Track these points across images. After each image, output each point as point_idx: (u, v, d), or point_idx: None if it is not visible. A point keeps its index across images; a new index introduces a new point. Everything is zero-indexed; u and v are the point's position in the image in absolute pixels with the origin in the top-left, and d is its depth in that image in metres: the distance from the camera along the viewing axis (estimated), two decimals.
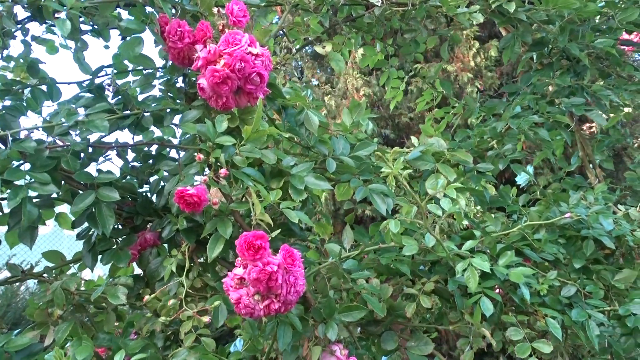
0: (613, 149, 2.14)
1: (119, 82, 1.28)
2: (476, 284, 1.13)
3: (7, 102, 1.23)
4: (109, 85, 1.18)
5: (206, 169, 1.08)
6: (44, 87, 1.24)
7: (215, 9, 1.11)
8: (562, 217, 1.47)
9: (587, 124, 2.75)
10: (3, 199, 1.11)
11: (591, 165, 1.84)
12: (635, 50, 1.88)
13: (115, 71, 1.27)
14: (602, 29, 1.74)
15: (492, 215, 1.54)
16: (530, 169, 1.76)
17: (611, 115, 1.88)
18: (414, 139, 1.49)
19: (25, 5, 1.07)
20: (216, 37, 1.10)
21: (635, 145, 3.06)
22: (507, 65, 5.54)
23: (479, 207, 1.57)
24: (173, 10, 1.10)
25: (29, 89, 1.24)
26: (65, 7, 1.01)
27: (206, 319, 1.01)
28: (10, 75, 1.28)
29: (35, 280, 1.32)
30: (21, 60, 1.28)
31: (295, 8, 1.49)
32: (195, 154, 1.06)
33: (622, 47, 1.85)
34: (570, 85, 1.62)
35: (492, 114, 1.70)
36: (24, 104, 1.20)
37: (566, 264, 1.51)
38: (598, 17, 1.70)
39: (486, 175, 1.48)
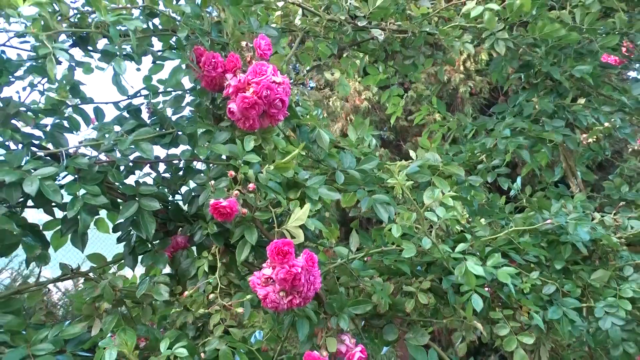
0: (594, 160, 2.33)
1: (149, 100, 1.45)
2: (474, 283, 1.30)
3: (51, 121, 1.38)
4: (147, 107, 1.34)
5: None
6: (82, 106, 1.40)
7: (243, 43, 1.27)
8: (544, 224, 1.65)
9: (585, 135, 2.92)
10: (54, 206, 1.26)
11: (573, 176, 2.02)
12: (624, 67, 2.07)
13: (148, 93, 1.44)
14: (584, 52, 1.92)
15: (482, 221, 1.71)
16: (518, 180, 1.94)
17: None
18: (412, 153, 1.67)
19: (71, 35, 1.23)
20: (243, 67, 1.26)
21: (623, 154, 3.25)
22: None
23: (466, 215, 1.73)
24: (208, 43, 1.26)
25: (70, 108, 1.39)
26: (113, 43, 1.16)
27: (240, 309, 1.18)
28: (52, 95, 1.43)
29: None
30: (64, 82, 1.43)
31: (307, 34, 1.66)
32: (225, 169, 1.22)
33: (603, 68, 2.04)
34: (556, 105, 1.80)
35: (483, 130, 1.88)
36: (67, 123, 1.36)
37: (548, 265, 1.69)
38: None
39: (476, 187, 1.66)
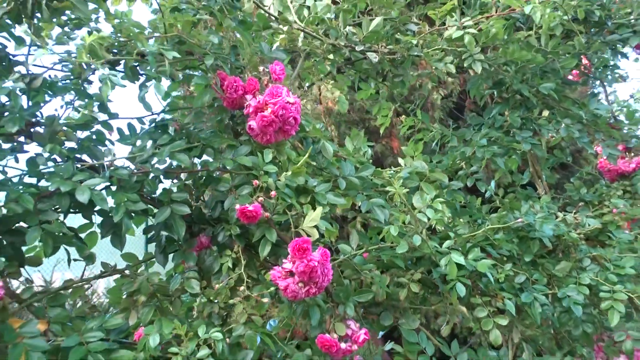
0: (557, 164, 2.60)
1: (168, 115, 1.62)
2: (455, 273, 1.52)
3: (84, 135, 1.53)
4: (175, 122, 1.51)
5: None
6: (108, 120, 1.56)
7: (260, 68, 1.46)
8: (515, 222, 1.89)
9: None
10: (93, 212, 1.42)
11: (539, 179, 2.29)
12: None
13: (168, 109, 1.61)
14: (549, 71, 2.19)
15: (461, 220, 1.94)
16: (492, 183, 2.19)
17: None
18: (401, 160, 1.89)
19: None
20: (260, 89, 1.45)
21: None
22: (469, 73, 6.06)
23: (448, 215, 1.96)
24: (229, 67, 1.44)
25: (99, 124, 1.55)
26: (152, 66, 1.33)
27: (265, 299, 1.36)
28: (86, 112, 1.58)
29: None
30: (93, 99, 1.58)
31: (308, 55, 1.86)
32: (246, 179, 1.41)
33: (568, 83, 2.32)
34: (523, 118, 2.05)
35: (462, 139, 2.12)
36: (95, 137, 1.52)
37: (519, 258, 1.94)
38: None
39: (457, 190, 1.89)
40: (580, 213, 2.13)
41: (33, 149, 1.43)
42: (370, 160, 1.88)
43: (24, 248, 1.33)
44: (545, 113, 2.20)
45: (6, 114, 1.31)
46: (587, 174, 2.41)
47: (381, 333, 1.73)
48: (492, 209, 2.16)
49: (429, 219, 1.59)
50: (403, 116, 2.37)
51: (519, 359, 1.86)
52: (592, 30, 2.39)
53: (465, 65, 1.81)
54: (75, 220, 1.44)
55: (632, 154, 2.32)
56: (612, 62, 2.55)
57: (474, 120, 2.11)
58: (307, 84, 1.94)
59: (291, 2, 1.87)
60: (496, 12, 2.02)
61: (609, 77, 2.32)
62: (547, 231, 1.81)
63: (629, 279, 1.80)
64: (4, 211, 1.23)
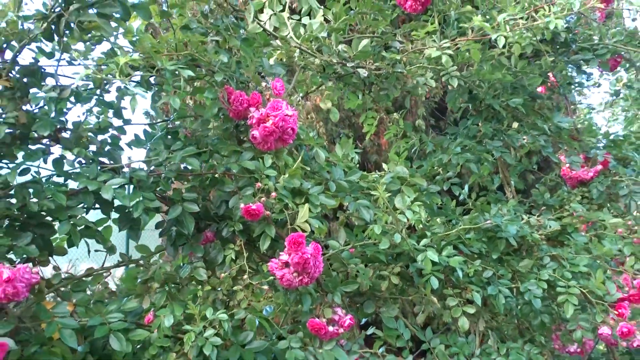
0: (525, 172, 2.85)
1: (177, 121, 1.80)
2: (429, 268, 1.74)
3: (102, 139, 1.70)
4: (185, 130, 1.69)
5: None
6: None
7: (263, 84, 1.65)
8: (485, 223, 2.12)
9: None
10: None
11: (508, 185, 2.53)
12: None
13: (176, 116, 1.79)
14: (518, 87, 2.43)
15: (438, 220, 2.17)
16: (466, 187, 2.42)
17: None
18: (385, 166, 2.10)
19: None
20: (263, 103, 1.64)
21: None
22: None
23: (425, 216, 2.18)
24: (235, 83, 1.63)
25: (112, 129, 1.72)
26: (169, 82, 1.51)
27: (265, 287, 1.56)
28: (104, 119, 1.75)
29: None
30: (111, 108, 1.75)
31: (303, 69, 2.05)
32: (250, 181, 1.60)
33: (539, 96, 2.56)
34: (494, 129, 2.28)
35: (440, 147, 2.34)
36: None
37: (487, 256, 2.17)
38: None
39: (434, 193, 2.11)
40: (542, 216, 2.38)
41: (57, 151, 1.60)
42: (357, 163, 2.09)
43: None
44: (515, 125, 2.44)
45: (37, 120, 1.48)
46: (550, 180, 2.66)
47: (364, 320, 1.93)
48: (465, 210, 2.39)
49: (408, 219, 1.81)
50: (395, 114, 2.58)
51: (485, 345, 2.09)
52: (558, 50, 2.64)
53: (443, 79, 2.03)
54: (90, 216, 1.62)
55: (591, 164, 2.57)
56: (577, 80, 2.81)
57: (451, 129, 2.33)
58: (301, 94, 2.13)
59: (288, 20, 2.07)
60: (473, 34, 2.24)
61: (573, 92, 2.57)
62: (512, 231, 2.04)
63: (583, 275, 2.04)
64: (37, 207, 1.41)
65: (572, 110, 2.92)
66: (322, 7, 2.12)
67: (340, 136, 6.78)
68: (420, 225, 1.96)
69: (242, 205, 1.53)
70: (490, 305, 2.17)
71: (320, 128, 6.74)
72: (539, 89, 2.67)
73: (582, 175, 2.54)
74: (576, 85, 2.70)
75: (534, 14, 2.24)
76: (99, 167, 1.51)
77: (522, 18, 2.01)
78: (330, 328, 1.65)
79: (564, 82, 2.51)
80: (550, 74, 2.63)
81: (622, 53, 2.59)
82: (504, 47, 1.98)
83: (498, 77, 2.10)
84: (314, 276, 1.55)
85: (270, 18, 2.06)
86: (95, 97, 1.59)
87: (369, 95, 2.24)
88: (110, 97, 1.70)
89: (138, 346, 1.52)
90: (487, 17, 2.27)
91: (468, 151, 2.17)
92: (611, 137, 2.68)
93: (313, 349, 1.64)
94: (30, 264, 1.37)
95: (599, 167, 2.55)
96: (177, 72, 1.49)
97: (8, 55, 1.57)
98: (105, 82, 1.54)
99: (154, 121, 1.82)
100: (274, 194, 1.56)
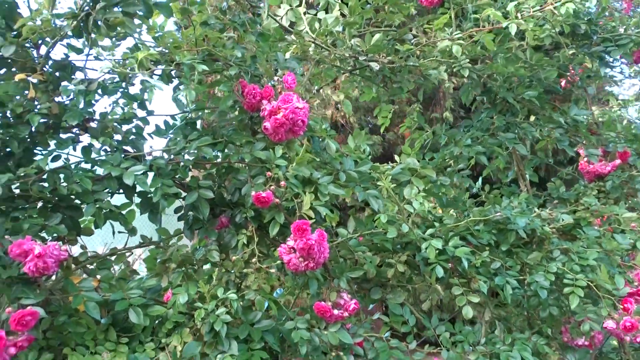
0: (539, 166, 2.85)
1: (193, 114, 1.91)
2: (433, 255, 1.80)
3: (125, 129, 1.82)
4: (203, 121, 1.80)
5: None
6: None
7: (275, 78, 1.73)
8: (495, 215, 2.15)
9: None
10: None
11: (522, 178, 2.54)
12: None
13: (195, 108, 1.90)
14: (534, 80, 2.43)
15: (452, 212, 2.21)
16: (479, 180, 2.45)
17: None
18: (397, 157, 2.16)
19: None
20: (275, 96, 1.73)
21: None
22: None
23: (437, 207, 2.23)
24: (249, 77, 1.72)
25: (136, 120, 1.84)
26: (187, 76, 1.62)
27: (273, 270, 1.66)
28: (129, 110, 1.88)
29: None
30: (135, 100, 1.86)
31: (318, 62, 2.12)
32: (261, 170, 1.69)
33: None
34: (508, 122, 2.30)
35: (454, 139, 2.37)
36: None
37: (497, 247, 2.20)
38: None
39: (446, 185, 2.16)
40: (556, 209, 2.38)
41: (85, 140, 1.73)
42: (370, 156, 2.15)
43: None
44: (532, 118, 2.44)
45: (67, 111, 1.61)
46: (566, 174, 2.65)
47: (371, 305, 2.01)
48: (477, 202, 2.42)
49: (414, 209, 1.86)
50: (414, 105, 2.62)
51: (492, 335, 2.14)
52: (580, 42, 2.61)
53: (454, 69, 2.06)
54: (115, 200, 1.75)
55: (609, 158, 2.55)
56: (602, 72, 2.77)
57: (465, 122, 2.36)
58: (316, 87, 2.20)
59: (304, 14, 2.14)
60: (488, 25, 2.25)
61: (593, 85, 2.55)
62: (521, 223, 2.07)
63: (592, 269, 2.06)
64: (66, 190, 1.54)
65: (605, 102, 2.88)
66: (340, 1, 2.18)
67: (369, 125, 6.83)
68: (430, 216, 2.01)
69: (253, 193, 1.63)
70: (500, 296, 2.21)
71: (351, 117, 6.81)
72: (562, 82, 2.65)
73: (599, 169, 2.53)
74: (598, 77, 2.65)
75: (552, 5, 2.24)
76: (122, 155, 1.64)
77: (533, 7, 2.01)
78: (336, 311, 1.73)
79: (583, 75, 2.49)
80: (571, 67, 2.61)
81: None
82: (516, 35, 1.98)
83: (511, 70, 2.11)
84: (319, 261, 1.64)
85: (287, 13, 2.14)
86: (120, 89, 1.71)
87: (383, 88, 2.29)
88: (134, 89, 1.83)
89: (156, 321, 1.64)
90: (504, 9, 2.27)
91: (480, 144, 2.20)
92: (633, 130, 2.64)
93: (319, 331, 1.73)
94: (60, 242, 1.50)
95: (618, 161, 2.53)
96: (193, 66, 1.59)
97: (42, 50, 1.71)
98: (129, 75, 1.66)
99: (176, 112, 1.92)
100: (283, 182, 1.65)
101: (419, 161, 2.13)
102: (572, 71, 2.57)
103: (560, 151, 2.93)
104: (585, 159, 2.56)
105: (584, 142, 2.54)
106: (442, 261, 1.92)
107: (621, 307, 1.94)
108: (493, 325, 2.18)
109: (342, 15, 2.19)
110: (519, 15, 2.00)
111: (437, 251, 1.91)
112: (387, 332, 1.97)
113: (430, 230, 1.91)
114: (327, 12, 2.13)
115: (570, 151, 2.40)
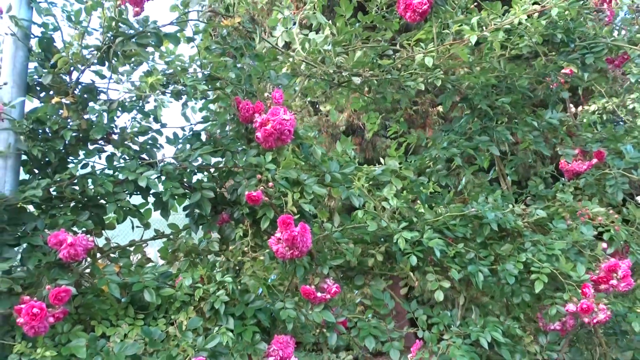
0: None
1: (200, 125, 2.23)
2: (403, 245, 2.06)
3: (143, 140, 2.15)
4: (206, 133, 2.11)
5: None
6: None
7: (265, 94, 2.03)
8: (470, 211, 2.39)
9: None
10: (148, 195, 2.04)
11: (503, 177, 2.75)
12: None
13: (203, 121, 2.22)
14: (511, 87, 2.65)
15: (429, 207, 2.46)
16: (463, 179, 2.68)
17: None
18: (382, 160, 2.42)
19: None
20: (265, 109, 2.03)
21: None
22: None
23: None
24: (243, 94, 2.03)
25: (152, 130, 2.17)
26: (190, 94, 1.93)
27: (262, 258, 1.96)
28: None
29: None
30: (150, 114, 2.19)
31: (309, 77, 2.41)
32: (254, 173, 1.99)
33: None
34: (485, 126, 2.53)
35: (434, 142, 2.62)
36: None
37: (473, 240, 2.43)
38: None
39: (425, 184, 2.41)
40: (534, 205, 2.59)
41: (109, 150, 2.08)
42: (357, 159, 2.42)
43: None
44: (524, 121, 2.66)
45: (93, 126, 1.96)
46: (546, 172, 2.85)
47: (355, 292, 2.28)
48: (461, 199, 2.65)
49: (390, 205, 2.13)
50: (439, 106, 2.85)
51: (468, 318, 2.37)
52: (560, 50, 2.81)
53: (429, 80, 2.31)
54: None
55: (587, 157, 2.73)
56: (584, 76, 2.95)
57: (444, 127, 2.60)
58: (308, 99, 2.48)
59: (297, 35, 2.43)
60: (465, 39, 2.49)
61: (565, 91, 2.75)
62: (490, 217, 2.29)
63: (557, 258, 2.26)
64: (92, 192, 1.88)
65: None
66: (330, 22, 2.46)
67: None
68: (412, 212, 2.26)
69: (246, 193, 1.93)
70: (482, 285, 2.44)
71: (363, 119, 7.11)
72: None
73: (576, 168, 2.72)
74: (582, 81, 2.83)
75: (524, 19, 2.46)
76: (139, 162, 1.97)
77: (496, 19, 2.23)
78: (319, 294, 2.02)
79: (558, 80, 2.68)
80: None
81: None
82: (477, 44, 2.22)
83: (482, 79, 2.35)
84: (303, 250, 1.92)
85: (282, 34, 2.44)
86: (137, 107, 2.04)
87: (370, 98, 2.56)
88: (150, 106, 2.16)
89: (167, 301, 1.96)
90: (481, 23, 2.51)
91: (456, 147, 2.44)
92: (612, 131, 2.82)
93: (305, 310, 2.01)
94: (88, 235, 1.84)
95: (594, 160, 2.72)
96: (195, 87, 1.91)
97: (73, 76, 2.06)
98: (144, 95, 1.99)
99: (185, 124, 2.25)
100: (271, 183, 1.95)
101: (401, 163, 2.40)
102: (549, 78, 2.77)
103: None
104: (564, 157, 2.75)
105: (562, 142, 2.74)
106: (418, 251, 2.18)
107: (581, 292, 2.15)
108: (471, 310, 2.41)
109: (333, 34, 2.48)
110: (484, 28, 2.23)
111: (413, 242, 2.17)
112: (371, 314, 2.23)
113: (403, 224, 2.17)
114: (318, 32, 2.42)
115: (545, 151, 2.61)
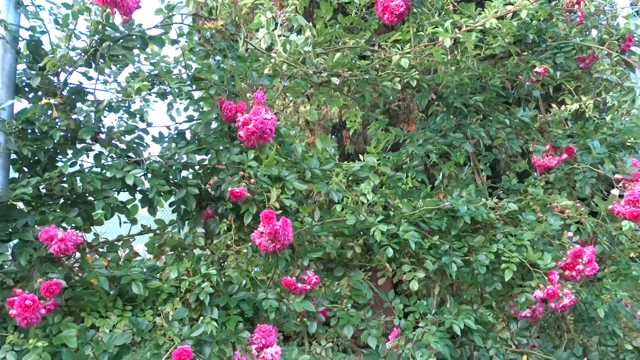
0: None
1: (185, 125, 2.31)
2: (379, 237, 2.16)
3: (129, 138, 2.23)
4: (191, 131, 2.20)
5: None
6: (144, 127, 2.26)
7: (248, 94, 2.12)
8: (445, 205, 2.50)
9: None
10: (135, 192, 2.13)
11: (478, 172, 2.88)
12: None
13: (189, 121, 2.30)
14: (485, 85, 2.77)
15: (406, 201, 2.57)
16: (441, 174, 2.80)
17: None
18: (362, 157, 2.53)
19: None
20: (248, 109, 2.12)
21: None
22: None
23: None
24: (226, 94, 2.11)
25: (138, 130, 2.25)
26: (174, 95, 2.02)
27: (245, 250, 2.05)
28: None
29: None
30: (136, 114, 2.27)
31: (290, 77, 2.51)
32: (237, 170, 2.09)
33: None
34: (459, 123, 2.65)
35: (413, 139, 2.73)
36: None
37: (448, 233, 2.55)
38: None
39: (402, 179, 2.52)
40: (507, 199, 2.72)
41: (97, 148, 2.15)
42: (337, 156, 2.53)
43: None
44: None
45: (81, 126, 2.03)
46: (519, 168, 2.98)
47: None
48: (436, 193, 2.77)
49: (367, 200, 2.24)
50: (378, 110, 2.95)
51: (444, 307, 2.49)
52: (533, 50, 2.94)
53: (405, 80, 2.42)
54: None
55: (558, 153, 2.87)
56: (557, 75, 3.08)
57: (421, 124, 2.72)
58: (290, 98, 2.57)
59: (279, 37, 2.52)
60: (440, 41, 2.60)
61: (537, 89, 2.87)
62: (462, 210, 2.41)
63: (526, 248, 2.39)
64: (81, 190, 1.96)
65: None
66: (310, 24, 2.56)
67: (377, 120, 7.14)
68: (384, 205, 2.37)
69: (229, 189, 2.02)
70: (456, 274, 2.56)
71: (360, 114, 7.26)
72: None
73: (547, 163, 2.85)
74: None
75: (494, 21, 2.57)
76: (125, 161, 2.05)
77: (469, 20, 2.34)
78: (300, 285, 2.12)
79: (530, 79, 2.80)
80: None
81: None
82: (454, 43, 2.33)
83: (457, 79, 2.46)
84: (285, 243, 2.02)
85: (264, 36, 2.53)
86: (123, 107, 2.12)
87: (350, 97, 2.66)
88: (136, 106, 2.23)
89: (155, 293, 2.05)
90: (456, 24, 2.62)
91: (432, 144, 2.56)
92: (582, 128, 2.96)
93: (287, 301, 2.12)
94: (77, 231, 1.92)
95: (565, 155, 2.85)
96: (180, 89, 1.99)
97: (61, 77, 2.13)
98: (130, 97, 2.07)
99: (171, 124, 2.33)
100: (253, 180, 2.04)
101: (379, 159, 2.50)
102: (521, 77, 2.89)
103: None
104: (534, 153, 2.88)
105: (532, 138, 2.86)
106: (394, 244, 2.29)
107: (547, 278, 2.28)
108: (446, 299, 2.54)
109: (314, 36, 2.57)
110: (457, 30, 2.34)
111: (390, 235, 2.28)
112: (350, 304, 2.34)
113: (379, 218, 2.28)
114: (299, 34, 2.52)
115: (517, 147, 2.74)
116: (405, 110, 7.40)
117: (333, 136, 8.67)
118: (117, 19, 2.02)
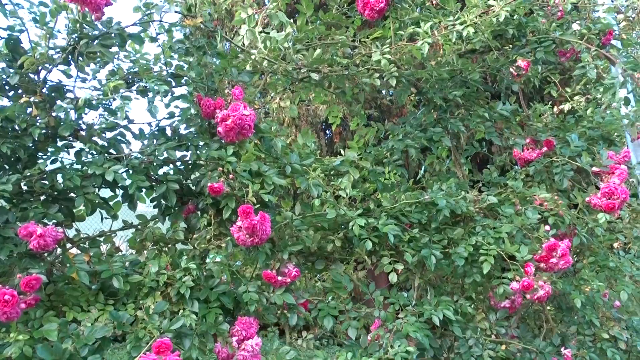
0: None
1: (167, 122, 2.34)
2: (358, 230, 2.20)
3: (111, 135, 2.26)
4: (171, 127, 2.22)
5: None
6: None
7: (227, 91, 2.15)
8: (424, 198, 2.54)
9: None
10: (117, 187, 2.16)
11: (459, 166, 2.92)
12: None
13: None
14: (467, 80, 2.80)
15: (387, 195, 2.61)
16: (423, 167, 2.84)
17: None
18: (342, 152, 2.56)
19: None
20: (226, 105, 2.14)
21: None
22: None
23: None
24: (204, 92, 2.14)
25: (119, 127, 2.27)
26: (153, 92, 2.04)
27: (223, 244, 2.09)
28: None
29: None
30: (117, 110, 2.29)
31: (271, 73, 2.53)
32: (216, 166, 2.12)
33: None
34: (439, 118, 2.68)
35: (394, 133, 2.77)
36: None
37: (429, 226, 2.59)
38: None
39: (382, 173, 2.56)
40: (487, 192, 2.76)
41: (77, 145, 2.18)
42: (318, 151, 2.56)
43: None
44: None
45: (62, 123, 2.06)
46: (500, 161, 3.02)
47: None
48: (421, 187, 2.82)
49: (346, 194, 2.27)
50: (359, 106, 2.98)
51: (424, 299, 2.53)
52: (513, 44, 2.97)
53: (385, 79, 2.45)
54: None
55: (538, 146, 2.91)
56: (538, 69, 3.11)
57: (401, 119, 2.75)
58: (272, 94, 2.61)
59: (260, 34, 2.55)
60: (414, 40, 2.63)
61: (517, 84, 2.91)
62: (440, 203, 2.45)
63: (503, 241, 2.43)
64: (62, 186, 1.99)
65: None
66: (291, 20, 2.58)
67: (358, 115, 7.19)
68: (363, 198, 2.41)
69: (208, 184, 2.05)
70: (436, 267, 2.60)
71: (345, 110, 7.26)
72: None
73: (527, 156, 2.89)
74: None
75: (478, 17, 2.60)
76: (106, 157, 2.07)
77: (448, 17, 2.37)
78: (280, 278, 2.16)
79: (509, 74, 2.84)
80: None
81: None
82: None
83: (435, 74, 2.49)
84: (263, 238, 2.06)
85: (246, 33, 2.55)
86: (103, 105, 2.15)
87: (332, 93, 2.69)
88: (116, 103, 2.26)
89: (136, 287, 2.08)
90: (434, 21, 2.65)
91: (412, 138, 2.59)
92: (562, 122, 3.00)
93: (267, 293, 2.16)
94: (58, 227, 1.95)
95: (544, 149, 2.89)
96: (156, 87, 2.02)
97: (41, 75, 2.15)
98: (110, 93, 2.09)
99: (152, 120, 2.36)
100: (232, 175, 2.07)
101: (360, 154, 2.54)
102: (502, 71, 2.93)
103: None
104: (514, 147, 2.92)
105: (512, 132, 2.90)
106: (374, 237, 2.33)
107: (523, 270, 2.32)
108: (427, 291, 2.58)
109: (295, 32, 2.59)
110: (435, 32, 2.37)
111: (370, 228, 2.32)
112: (331, 297, 2.38)
113: (358, 212, 2.31)
114: (279, 31, 2.54)
115: (497, 141, 2.77)
116: (397, 105, 7.45)
117: (323, 133, 8.67)
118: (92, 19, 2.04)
